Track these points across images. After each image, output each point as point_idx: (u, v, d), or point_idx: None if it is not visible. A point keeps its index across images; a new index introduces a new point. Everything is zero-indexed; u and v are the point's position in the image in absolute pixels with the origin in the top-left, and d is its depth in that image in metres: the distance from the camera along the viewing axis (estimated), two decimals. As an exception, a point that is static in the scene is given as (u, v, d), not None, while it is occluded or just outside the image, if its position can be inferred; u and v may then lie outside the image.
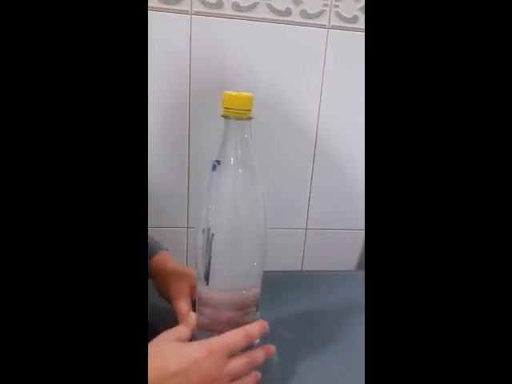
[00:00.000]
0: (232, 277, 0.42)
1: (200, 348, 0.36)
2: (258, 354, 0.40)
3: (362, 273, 0.77)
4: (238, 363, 0.38)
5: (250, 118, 0.38)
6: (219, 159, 0.38)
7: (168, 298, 0.48)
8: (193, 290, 0.47)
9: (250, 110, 0.38)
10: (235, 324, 0.40)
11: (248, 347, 0.42)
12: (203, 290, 0.42)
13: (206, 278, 0.41)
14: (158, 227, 0.68)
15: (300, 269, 0.79)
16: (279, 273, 0.72)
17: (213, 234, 0.39)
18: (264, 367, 0.43)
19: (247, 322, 0.42)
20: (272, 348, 0.42)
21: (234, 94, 0.37)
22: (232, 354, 0.37)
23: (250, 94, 0.37)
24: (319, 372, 0.47)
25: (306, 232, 0.76)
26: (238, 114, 0.37)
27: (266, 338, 0.48)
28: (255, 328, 0.40)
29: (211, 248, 0.39)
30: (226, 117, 0.37)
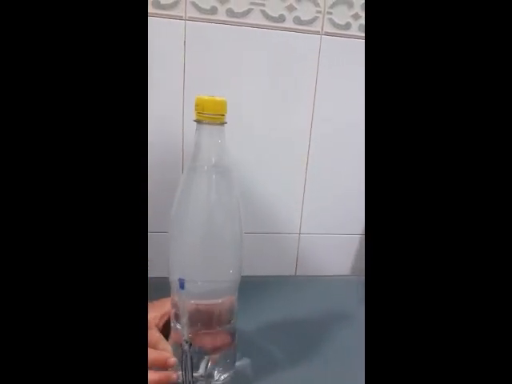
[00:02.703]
0: (207, 285, 0.41)
1: None
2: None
3: (356, 277, 0.77)
4: None
5: (223, 123, 0.38)
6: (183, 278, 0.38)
7: None
8: (165, 317, 0.46)
9: (223, 115, 0.37)
10: (211, 334, 0.40)
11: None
12: (178, 301, 0.41)
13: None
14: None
15: (294, 273, 0.79)
16: (272, 278, 0.72)
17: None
18: (254, 374, 0.43)
19: (222, 332, 0.42)
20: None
21: (206, 98, 0.37)
22: None
23: (223, 98, 0.37)
24: (312, 378, 0.47)
25: (300, 237, 0.76)
26: (210, 119, 0.37)
27: (258, 344, 0.49)
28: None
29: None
30: (198, 121, 0.37)
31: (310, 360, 0.50)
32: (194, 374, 0.42)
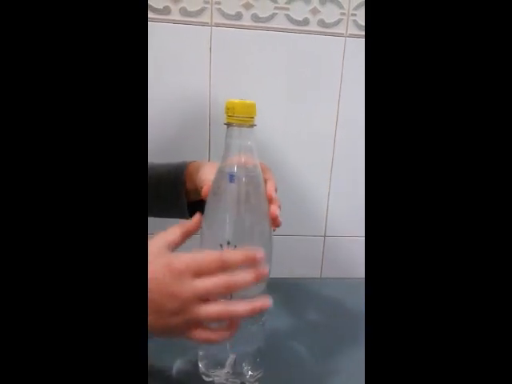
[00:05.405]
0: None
1: (162, 265, 0.34)
2: (238, 277, 0.35)
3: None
4: (205, 284, 0.34)
5: (252, 126, 0.39)
6: (234, 171, 0.39)
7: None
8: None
9: (252, 118, 0.38)
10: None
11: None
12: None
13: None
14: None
15: (319, 276, 0.79)
16: (298, 280, 0.72)
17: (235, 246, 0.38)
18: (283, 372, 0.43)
19: (252, 330, 0.42)
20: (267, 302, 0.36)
21: (236, 101, 0.38)
22: (200, 274, 0.34)
23: (252, 101, 0.38)
24: (338, 377, 0.48)
25: (325, 239, 0.76)
26: (240, 122, 0.38)
27: (285, 344, 0.48)
28: (236, 256, 0.36)
29: None
30: (228, 124, 0.38)
31: (336, 360, 0.51)
32: (221, 371, 0.42)
